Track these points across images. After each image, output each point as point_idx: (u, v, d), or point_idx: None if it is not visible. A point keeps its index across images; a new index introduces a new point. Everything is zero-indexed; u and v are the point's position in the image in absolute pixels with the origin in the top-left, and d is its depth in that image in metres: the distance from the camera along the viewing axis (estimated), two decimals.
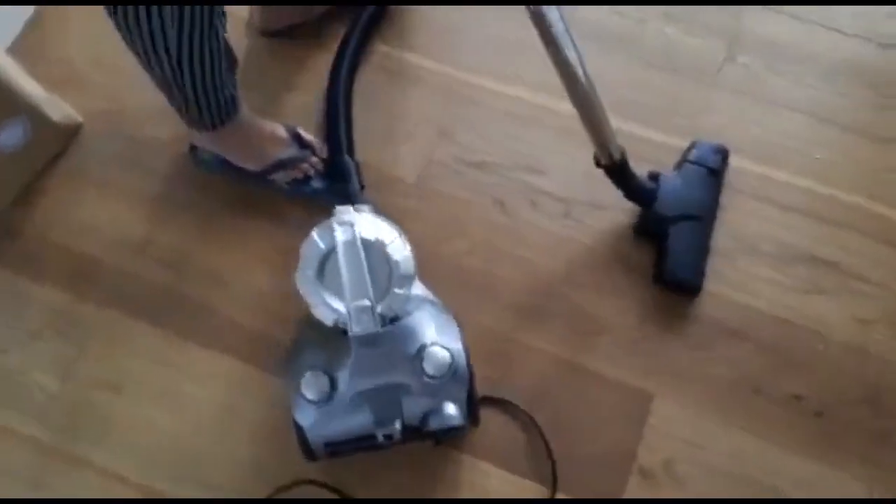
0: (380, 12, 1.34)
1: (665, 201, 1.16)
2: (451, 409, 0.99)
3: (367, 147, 1.27)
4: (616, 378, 1.15)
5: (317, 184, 1.23)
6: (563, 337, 1.17)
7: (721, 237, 1.21)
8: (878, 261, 1.21)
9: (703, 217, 1.18)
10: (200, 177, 1.27)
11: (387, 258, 0.97)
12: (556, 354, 1.16)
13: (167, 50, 0.96)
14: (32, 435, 1.13)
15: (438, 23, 1.40)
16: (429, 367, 0.98)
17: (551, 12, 0.85)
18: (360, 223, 0.99)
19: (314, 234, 0.98)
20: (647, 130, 1.30)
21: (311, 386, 0.97)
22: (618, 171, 1.09)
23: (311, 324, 1.00)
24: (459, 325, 1.04)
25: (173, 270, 1.22)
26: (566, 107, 1.28)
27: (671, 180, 1.18)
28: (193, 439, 1.13)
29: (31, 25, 1.39)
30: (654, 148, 1.27)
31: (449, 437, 1.06)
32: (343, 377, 0.98)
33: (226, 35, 1.01)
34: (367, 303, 0.94)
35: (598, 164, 1.09)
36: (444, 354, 0.98)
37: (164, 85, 1.04)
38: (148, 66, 0.99)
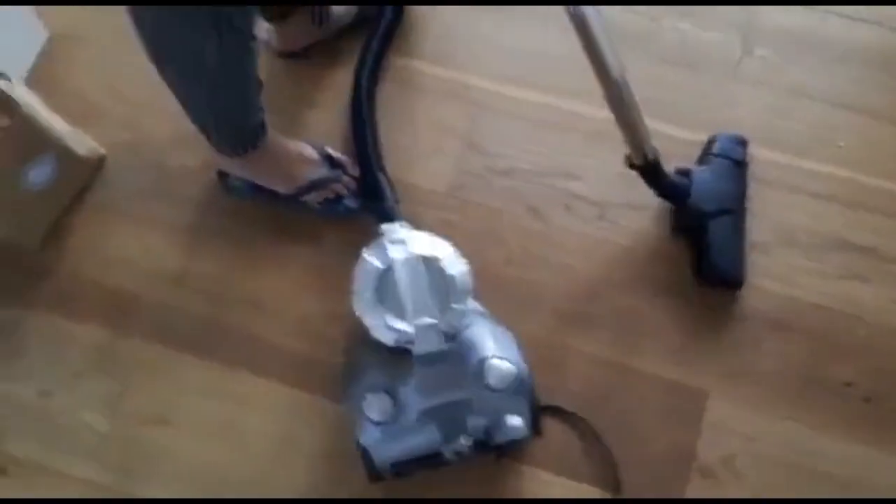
0: (395, 25, 1.33)
1: (700, 197, 1.15)
2: (515, 421, 0.99)
3: (394, 162, 1.26)
4: (669, 378, 1.15)
5: (349, 202, 1.23)
6: (611, 340, 1.17)
7: (754, 229, 1.21)
8: None
9: (738, 210, 1.18)
10: (230, 203, 1.26)
11: (442, 274, 0.97)
12: (607, 358, 1.16)
13: (206, 74, 0.94)
14: (87, 477, 1.11)
15: (454, 32, 1.39)
16: (492, 381, 0.98)
17: (591, 13, 0.84)
18: (413, 240, 0.98)
19: (367, 256, 0.98)
20: (671, 127, 1.30)
21: (374, 407, 0.97)
22: (651, 171, 1.09)
23: (367, 344, 0.99)
24: (516, 335, 1.04)
25: (212, 299, 1.20)
26: (592, 110, 1.30)
27: (702, 175, 1.18)
28: (248, 469, 1.12)
29: (43, 57, 1.37)
30: (678, 144, 1.27)
31: (511, 449, 1.06)
32: (406, 396, 0.97)
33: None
34: (430, 320, 0.94)
35: (630, 166, 1.09)
36: (506, 367, 0.98)
37: (198, 111, 1.02)
38: (185, 91, 0.98)
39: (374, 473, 1.00)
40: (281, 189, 1.21)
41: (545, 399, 1.11)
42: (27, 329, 1.20)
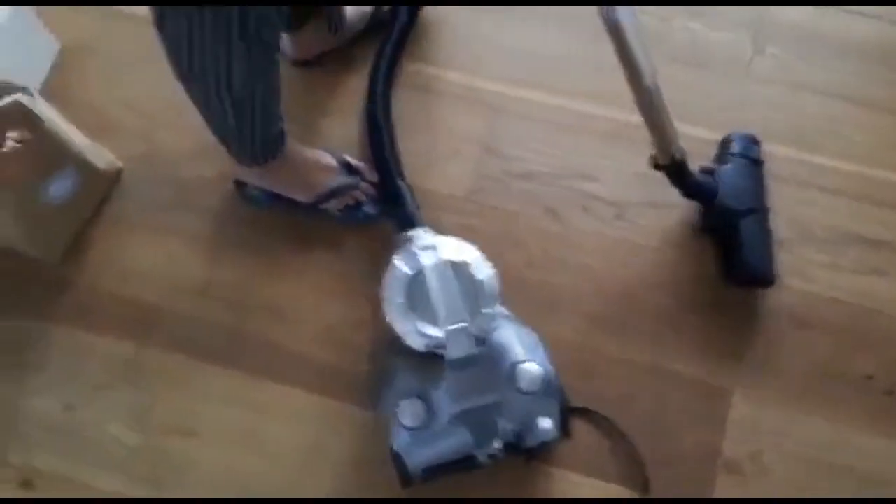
0: (409, 29, 1.34)
1: (727, 196, 1.16)
2: (546, 423, 0.99)
3: (411, 167, 1.27)
4: (693, 376, 1.15)
5: (368, 209, 1.23)
6: (635, 339, 1.18)
7: (775, 226, 1.22)
8: None
9: (762, 208, 1.19)
10: (249, 212, 1.26)
11: (472, 278, 0.98)
12: (631, 358, 1.17)
13: (230, 86, 0.95)
14: (114, 490, 1.11)
15: (466, 37, 1.40)
16: (522, 384, 0.98)
17: (624, 15, 0.85)
18: (441, 245, 0.99)
19: (397, 262, 0.98)
20: (685, 126, 1.28)
21: (408, 413, 0.97)
22: (678, 171, 1.09)
23: (397, 351, 1.00)
24: (542, 338, 1.04)
25: (235, 309, 1.20)
26: (605, 111, 1.31)
27: (726, 174, 1.19)
28: (276, 477, 1.11)
29: (55, 70, 1.37)
30: (693, 143, 1.25)
31: (540, 451, 1.06)
32: (438, 401, 0.98)
33: None
34: (462, 325, 0.94)
35: (655, 167, 1.09)
36: (535, 370, 0.98)
37: (222, 124, 1.03)
38: (210, 105, 0.98)
39: (407, 478, 1.00)
40: (301, 197, 1.21)
41: (571, 400, 1.11)
42: (49, 343, 1.19)
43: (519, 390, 0.98)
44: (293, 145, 1.16)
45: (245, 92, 0.96)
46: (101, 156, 1.21)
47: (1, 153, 0.99)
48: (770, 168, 1.25)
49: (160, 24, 0.88)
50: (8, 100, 0.99)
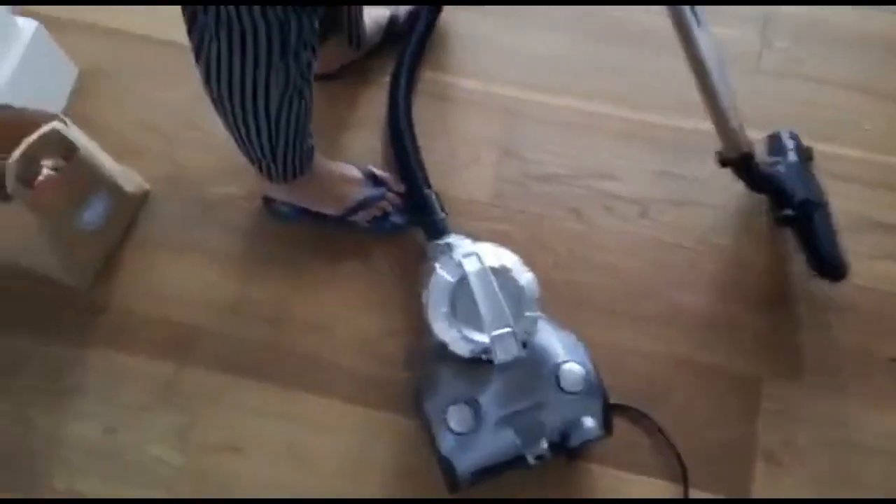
0: (427, 38, 1.35)
1: (796, 188, 1.15)
2: (589, 422, 1.01)
3: (432, 175, 1.28)
4: (723, 366, 1.18)
5: (396, 219, 1.24)
6: (664, 334, 1.20)
7: None
8: None
9: (825, 200, 1.18)
10: (277, 228, 1.27)
11: (514, 283, 0.99)
12: (661, 352, 1.19)
13: (268, 108, 0.96)
14: None
15: (479, 44, 1.42)
16: (566, 384, 1.00)
17: (685, 11, 0.87)
18: (482, 252, 1.00)
19: (439, 270, 0.99)
20: (699, 122, 1.32)
21: (456, 419, 0.99)
22: (745, 164, 1.10)
23: (440, 358, 1.01)
24: (580, 338, 1.06)
25: (268, 324, 1.21)
26: (619, 111, 1.34)
27: (790, 168, 1.19)
28: (322, 489, 1.12)
29: (75, 96, 1.38)
30: (709, 139, 1.29)
31: (582, 450, 1.08)
32: (485, 405, 0.99)
33: None
34: (508, 329, 0.96)
35: (723, 164, 1.10)
36: (578, 370, 1.00)
37: (255, 143, 1.04)
38: (246, 125, 0.99)
39: (455, 483, 1.01)
40: (329, 211, 1.22)
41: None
42: (86, 367, 1.20)
43: (562, 390, 1.00)
44: (319, 159, 1.17)
45: (281, 112, 0.97)
46: (130, 179, 1.22)
47: (38, 182, 1.00)
48: None
49: (199, 48, 0.89)
50: (45, 128, 1.00)
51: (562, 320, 1.11)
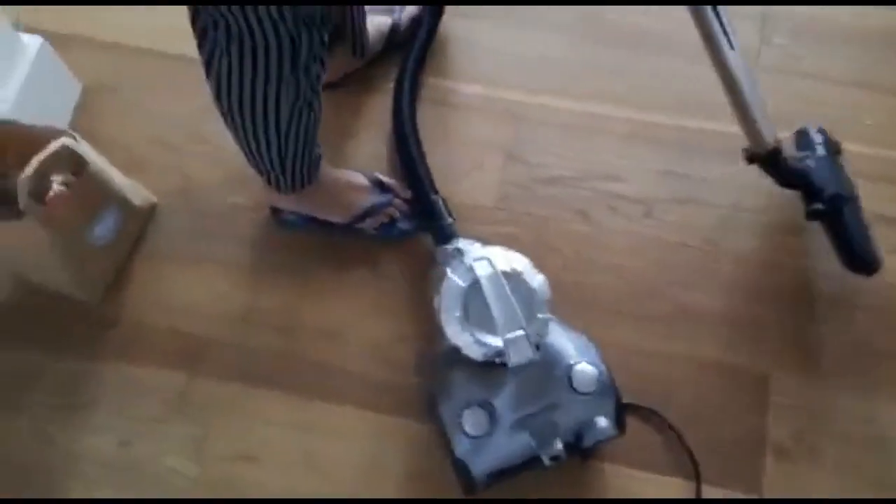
0: (428, 45, 1.36)
1: (827, 182, 1.15)
2: (602, 422, 1.02)
3: (437, 180, 1.28)
4: (731, 363, 1.18)
5: (403, 225, 1.25)
6: (672, 332, 1.21)
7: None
8: None
9: (855, 195, 1.18)
10: (285, 237, 1.28)
11: (526, 286, 1.00)
12: (670, 350, 1.20)
13: (278, 120, 0.97)
14: None
15: (479, 49, 1.43)
16: (579, 385, 1.01)
17: (707, 11, 0.88)
18: (493, 256, 1.01)
19: (451, 275, 1.00)
20: (702, 121, 1.34)
21: (470, 422, 1.00)
22: (773, 159, 1.10)
23: (453, 362, 1.02)
24: (591, 339, 1.07)
25: (279, 333, 1.22)
26: (620, 112, 1.34)
27: (820, 163, 1.18)
28: (340, 495, 1.13)
29: (79, 111, 1.38)
30: (712, 137, 1.31)
31: (595, 450, 1.09)
32: (499, 407, 1.00)
33: None
34: (521, 332, 0.96)
35: (750, 161, 1.11)
36: (590, 370, 1.01)
37: (265, 155, 1.05)
38: (256, 138, 1.00)
39: (471, 485, 1.02)
40: (337, 219, 1.23)
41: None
42: (99, 381, 1.21)
43: (575, 391, 1.01)
44: (325, 168, 1.18)
45: (291, 125, 0.98)
46: (138, 192, 1.23)
47: (49, 197, 1.00)
48: None
49: (209, 64, 0.90)
50: (56, 144, 1.00)
51: (571, 321, 1.12)
